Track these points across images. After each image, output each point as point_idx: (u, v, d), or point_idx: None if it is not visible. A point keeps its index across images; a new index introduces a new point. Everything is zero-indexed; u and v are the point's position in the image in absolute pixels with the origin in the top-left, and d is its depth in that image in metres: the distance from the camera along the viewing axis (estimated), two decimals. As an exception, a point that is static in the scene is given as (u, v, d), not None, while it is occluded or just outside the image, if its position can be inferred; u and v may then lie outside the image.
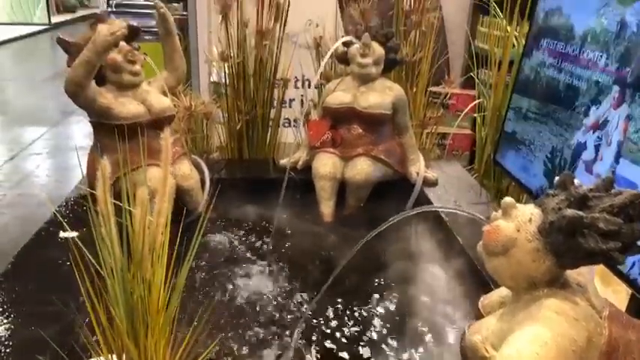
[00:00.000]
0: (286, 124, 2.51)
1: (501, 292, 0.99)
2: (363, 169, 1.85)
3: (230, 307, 1.39)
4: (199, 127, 2.25)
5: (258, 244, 1.74)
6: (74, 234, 1.19)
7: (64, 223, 1.21)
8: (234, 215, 1.85)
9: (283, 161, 2.05)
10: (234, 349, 1.22)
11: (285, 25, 2.15)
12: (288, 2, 2.12)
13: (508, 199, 0.89)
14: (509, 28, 2.09)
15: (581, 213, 0.79)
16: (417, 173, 1.92)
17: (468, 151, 2.95)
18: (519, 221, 0.86)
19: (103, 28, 1.58)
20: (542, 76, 1.80)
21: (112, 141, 1.74)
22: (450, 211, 1.53)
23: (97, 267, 0.90)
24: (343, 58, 1.93)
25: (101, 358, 0.95)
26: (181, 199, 1.79)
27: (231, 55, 2.09)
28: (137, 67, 1.74)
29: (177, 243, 1.02)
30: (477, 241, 1.48)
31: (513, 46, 2.21)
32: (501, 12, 2.32)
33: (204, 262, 1.59)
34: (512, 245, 0.85)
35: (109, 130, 1.73)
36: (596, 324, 0.82)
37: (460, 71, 3.29)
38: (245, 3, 2.10)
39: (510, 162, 1.93)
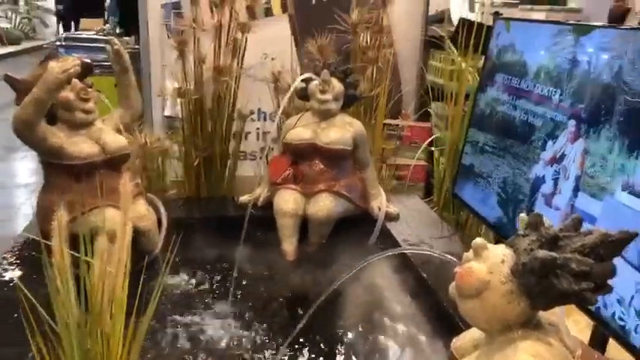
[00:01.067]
0: (245, 157, 2.48)
1: (474, 334, 0.98)
2: (325, 205, 1.83)
3: (192, 354, 1.32)
4: (154, 164, 2.19)
5: (218, 286, 1.68)
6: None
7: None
8: (193, 256, 1.79)
9: (243, 198, 2.01)
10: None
11: (242, 62, 2.13)
12: (246, 38, 2.11)
13: (479, 240, 0.88)
14: (463, 64, 2.13)
15: (553, 254, 0.79)
16: (379, 208, 1.91)
17: (423, 182, 2.99)
18: (492, 263, 0.85)
19: (54, 66, 1.52)
20: (498, 111, 1.84)
21: (65, 181, 1.68)
22: (424, 253, 1.52)
23: (50, 321, 0.84)
24: (302, 95, 1.93)
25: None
26: (137, 240, 1.72)
27: (188, 91, 2.05)
28: (90, 105, 1.68)
29: (137, 290, 0.96)
30: (443, 278, 1.48)
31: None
32: (454, 47, 2.38)
33: (162, 307, 1.53)
34: (485, 287, 0.84)
35: (61, 170, 1.66)
36: (570, 364, 0.82)
37: (413, 104, 3.34)
38: (202, 39, 2.08)
39: (469, 195, 1.95)
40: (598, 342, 1.32)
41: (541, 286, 0.81)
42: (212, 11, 2.09)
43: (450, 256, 0.98)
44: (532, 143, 1.63)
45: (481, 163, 1.90)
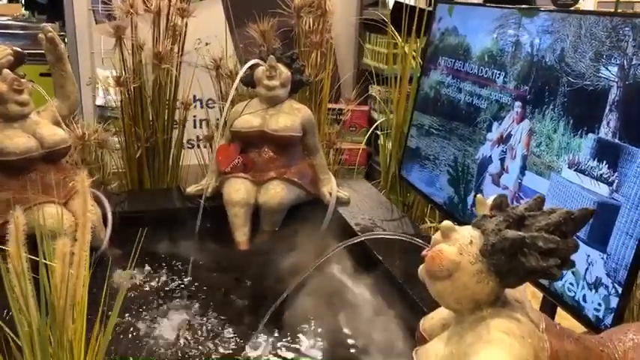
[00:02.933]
0: (189, 146, 2.41)
1: (442, 314, 1.00)
2: (277, 192, 1.81)
3: (152, 349, 1.29)
4: (92, 157, 2.10)
5: (171, 279, 1.64)
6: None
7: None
8: (142, 251, 1.73)
9: (190, 189, 1.96)
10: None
11: (183, 48, 2.07)
12: (186, 23, 2.05)
13: (447, 223, 0.89)
14: (407, 48, 2.15)
15: (522, 234, 0.82)
16: (330, 193, 1.91)
17: (365, 165, 3.02)
18: (461, 244, 0.87)
19: (-17, 56, 1.42)
20: (442, 94, 1.88)
21: (1, 178, 1.58)
22: (394, 237, 1.53)
23: (7, 329, 0.79)
24: (248, 81, 1.89)
25: None
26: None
27: (128, 79, 1.97)
28: (25, 97, 1.59)
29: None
30: (399, 260, 1.50)
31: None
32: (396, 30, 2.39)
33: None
34: (456, 269, 0.86)
35: (-4, 167, 1.56)
36: (539, 339, 0.85)
37: (351, 88, 3.36)
38: (139, 26, 2.00)
39: (416, 177, 1.99)
40: (547, 313, 1.39)
41: (510, 264, 0.83)
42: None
43: (420, 240, 0.99)
44: (478, 125, 1.67)
45: (427, 146, 1.94)
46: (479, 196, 0.97)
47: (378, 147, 3.15)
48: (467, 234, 0.88)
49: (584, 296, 1.22)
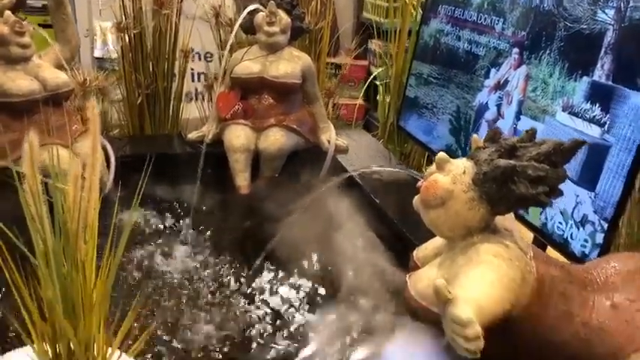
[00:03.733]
0: (188, 99, 2.43)
1: (435, 244, 1.05)
2: (276, 139, 1.84)
3: (157, 285, 1.34)
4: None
5: (176, 222, 1.69)
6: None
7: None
8: (145, 193, 1.77)
9: (191, 135, 1.99)
10: (169, 325, 1.19)
11: (184, -7, 2.07)
12: (186, -31, 2.04)
13: (442, 155, 0.93)
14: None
15: (512, 162, 0.86)
16: (329, 141, 1.94)
17: (362, 119, 3.03)
18: (454, 174, 0.91)
19: (-15, -4, 1.43)
20: (442, 43, 1.89)
21: (5, 120, 1.60)
22: (391, 170, 1.57)
23: (24, 249, 0.83)
24: (248, 27, 1.89)
25: (34, 346, 0.88)
26: (87, 178, 1.68)
27: (129, 25, 1.97)
28: (26, 39, 1.60)
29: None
30: (392, 200, 1.54)
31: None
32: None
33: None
34: (449, 197, 0.90)
35: (0, 109, 1.58)
36: (526, 263, 0.90)
37: (350, 41, 3.35)
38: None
39: (414, 126, 2.02)
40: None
41: (501, 192, 0.87)
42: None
43: (415, 172, 1.03)
44: (476, 72, 1.70)
45: (425, 95, 1.96)
46: (474, 135, 1.00)
47: (375, 102, 3.18)
48: (460, 165, 0.92)
49: (571, 234, 1.27)
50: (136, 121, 2.13)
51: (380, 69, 2.53)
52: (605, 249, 1.18)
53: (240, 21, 1.78)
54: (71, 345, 0.86)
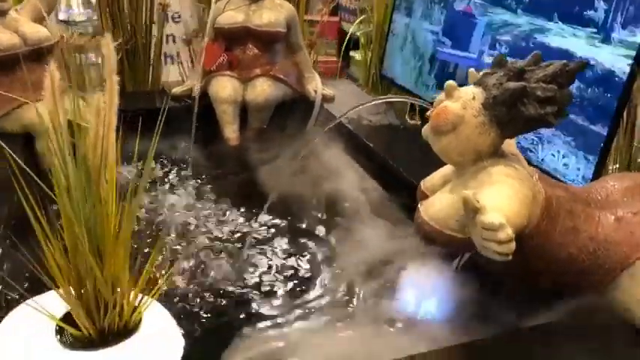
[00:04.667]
0: (167, 60, 2.38)
1: (442, 172, 1.07)
2: (263, 90, 1.83)
3: (170, 233, 1.35)
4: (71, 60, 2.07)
5: (175, 173, 1.69)
6: None
7: None
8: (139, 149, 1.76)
9: (176, 90, 1.96)
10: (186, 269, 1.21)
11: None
12: None
13: (451, 82, 0.95)
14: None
15: (522, 83, 0.88)
16: (315, 91, 1.94)
17: (336, 75, 3.03)
18: (464, 100, 0.93)
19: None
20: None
21: (-15, 76, 1.55)
22: (401, 100, 1.60)
23: (46, 189, 0.83)
24: (229, -23, 1.86)
25: (60, 290, 0.88)
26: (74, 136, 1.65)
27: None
28: (3, -8, 1.54)
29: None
30: (383, 142, 1.57)
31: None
32: None
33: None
34: (460, 122, 0.92)
35: (-21, 64, 1.53)
36: (534, 184, 0.94)
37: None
38: None
39: (397, 73, 2.05)
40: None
41: (510, 114, 0.90)
42: None
43: (423, 100, 1.05)
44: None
45: (408, 42, 1.98)
46: (471, 69, 1.03)
47: (348, 58, 3.18)
48: (469, 91, 0.94)
49: (565, 164, 1.32)
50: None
51: (355, 24, 2.52)
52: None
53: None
54: (97, 285, 0.86)
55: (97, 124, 0.80)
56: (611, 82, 1.21)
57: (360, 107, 1.45)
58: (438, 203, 0.97)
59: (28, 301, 0.91)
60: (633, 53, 1.16)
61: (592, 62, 1.25)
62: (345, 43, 2.71)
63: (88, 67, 2.14)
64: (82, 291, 0.88)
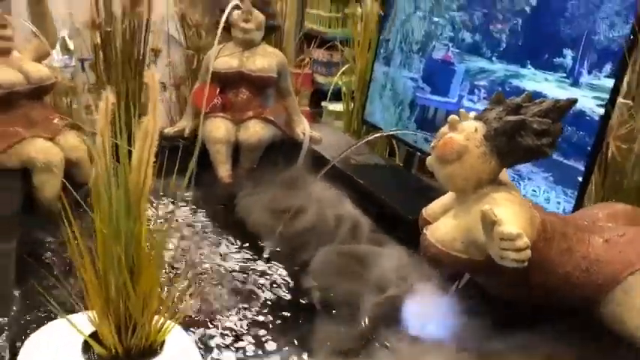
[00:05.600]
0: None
1: (442, 201, 1.16)
2: (256, 131, 1.91)
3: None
4: (63, 101, 2.12)
5: (169, 211, 1.72)
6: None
7: None
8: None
9: (168, 130, 2.02)
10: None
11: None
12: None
13: (454, 116, 1.06)
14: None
15: (522, 116, 0.99)
16: (304, 133, 2.04)
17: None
18: (467, 132, 1.03)
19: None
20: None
21: (-13, 112, 1.58)
22: (404, 133, 1.71)
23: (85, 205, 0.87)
24: (223, 26, 1.96)
25: (89, 312, 0.91)
26: (70, 172, 1.68)
27: (101, 23, 1.99)
28: (8, 32, 1.60)
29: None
30: (374, 180, 1.66)
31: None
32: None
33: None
34: (464, 152, 1.02)
35: (-17, 101, 1.56)
36: (530, 209, 1.03)
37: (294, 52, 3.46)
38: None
39: (379, 119, 2.16)
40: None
41: (510, 145, 1.00)
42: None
43: (424, 132, 1.14)
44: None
45: (387, 89, 2.11)
46: (461, 109, 1.13)
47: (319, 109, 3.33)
48: (471, 124, 1.05)
49: (546, 198, 1.43)
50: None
51: (338, 75, 2.66)
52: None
53: (225, 16, 1.84)
54: (128, 304, 0.90)
55: (142, 147, 0.85)
56: (581, 121, 1.33)
57: (355, 146, 1.54)
58: (443, 227, 1.05)
59: (57, 320, 0.93)
60: (600, 95, 1.30)
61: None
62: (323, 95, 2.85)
63: (78, 109, 2.20)
64: (112, 310, 0.91)
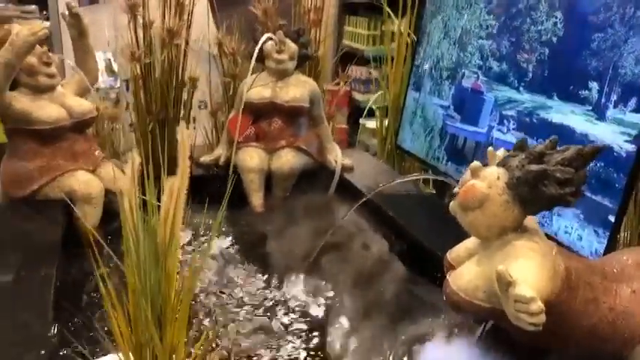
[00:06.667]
0: (194, 125, 2.52)
1: (466, 244, 1.16)
2: (288, 160, 1.95)
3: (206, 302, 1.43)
4: (104, 130, 2.20)
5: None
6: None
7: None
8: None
9: (203, 158, 2.08)
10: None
11: (191, 25, 2.17)
12: (193, 2, 2.14)
13: (476, 163, 1.05)
14: (402, 28, 2.30)
15: (544, 166, 0.98)
16: (336, 161, 2.06)
17: (345, 144, 3.17)
18: (489, 180, 1.03)
19: (22, 29, 1.50)
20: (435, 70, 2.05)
21: (33, 147, 1.67)
22: (433, 178, 1.73)
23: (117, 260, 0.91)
24: (257, 56, 2.00)
25: (120, 354, 0.95)
26: (113, 201, 1.75)
27: (141, 54, 2.06)
28: (53, 69, 1.69)
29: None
30: (411, 215, 1.66)
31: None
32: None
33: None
34: (486, 199, 1.02)
35: (29, 136, 1.65)
36: (554, 257, 1.02)
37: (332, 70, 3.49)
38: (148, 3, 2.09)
39: (412, 144, 2.16)
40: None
41: (532, 194, 1.00)
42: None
43: (451, 178, 1.14)
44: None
45: (417, 116, 2.11)
46: (489, 148, 1.13)
47: (356, 125, 3.33)
48: (494, 171, 1.04)
49: (579, 236, 1.40)
50: (148, 146, 2.20)
51: (363, 96, 2.66)
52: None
53: (258, 49, 1.89)
54: (155, 352, 0.93)
55: (168, 204, 0.89)
56: (609, 157, 1.30)
57: (385, 186, 1.55)
58: (467, 274, 1.05)
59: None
60: (626, 130, 1.26)
61: (592, 138, 1.35)
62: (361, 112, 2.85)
63: (118, 134, 2.28)
64: (141, 356, 0.95)
